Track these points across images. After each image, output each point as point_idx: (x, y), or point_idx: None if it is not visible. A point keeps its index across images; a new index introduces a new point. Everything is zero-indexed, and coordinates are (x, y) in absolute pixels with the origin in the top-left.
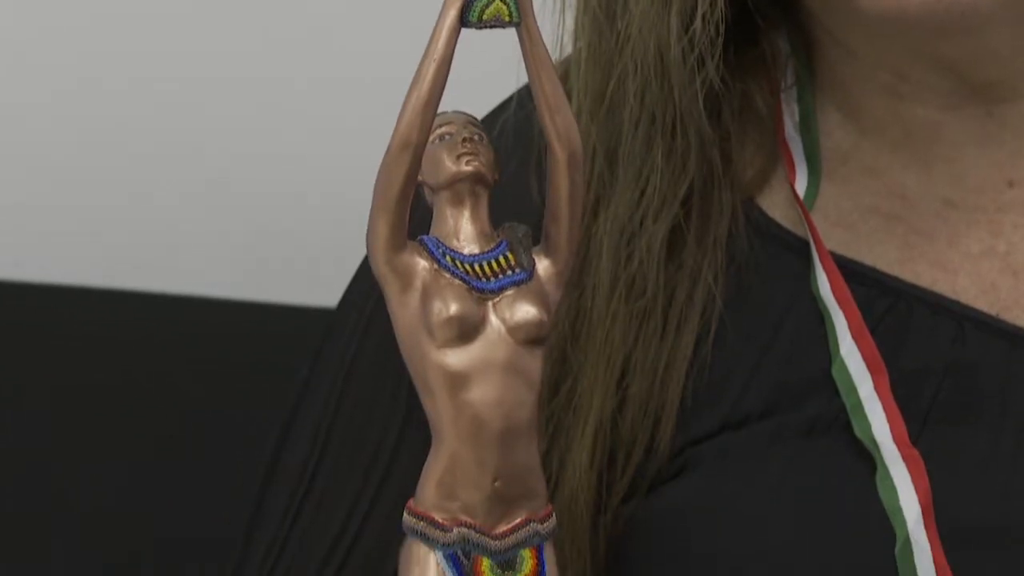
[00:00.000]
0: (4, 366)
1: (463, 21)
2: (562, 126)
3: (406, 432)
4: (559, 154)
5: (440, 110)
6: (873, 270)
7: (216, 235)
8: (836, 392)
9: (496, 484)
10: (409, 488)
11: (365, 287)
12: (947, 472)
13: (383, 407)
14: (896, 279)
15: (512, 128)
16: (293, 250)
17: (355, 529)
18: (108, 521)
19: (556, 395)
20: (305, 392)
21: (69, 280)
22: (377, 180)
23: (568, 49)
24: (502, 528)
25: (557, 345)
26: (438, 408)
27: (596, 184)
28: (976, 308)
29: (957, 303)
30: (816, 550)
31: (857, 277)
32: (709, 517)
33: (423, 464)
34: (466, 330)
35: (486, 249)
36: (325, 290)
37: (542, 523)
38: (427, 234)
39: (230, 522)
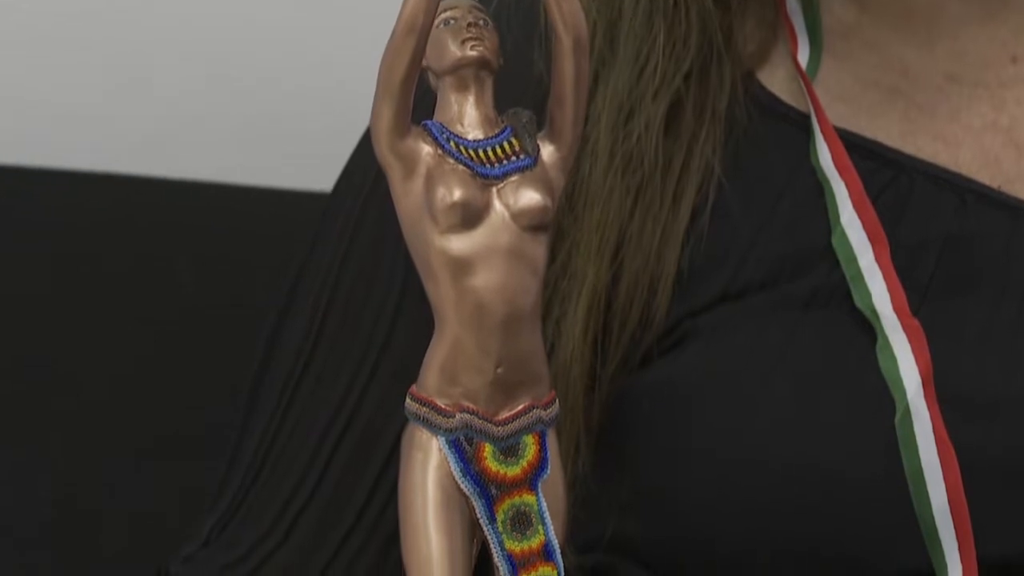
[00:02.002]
0: (5, 250)
1: None
2: (568, 11)
3: (403, 307)
4: (564, 39)
5: None
6: (874, 143)
7: (216, 119)
8: (836, 264)
9: (499, 370)
10: (406, 362)
11: (365, 163)
12: (947, 343)
13: (381, 281)
14: (897, 152)
15: (514, 1)
16: (295, 134)
17: (353, 402)
18: (108, 409)
19: (552, 263)
20: (304, 268)
21: (72, 165)
22: (381, 65)
23: None
24: (505, 414)
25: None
26: (441, 294)
27: (595, 60)
28: (978, 181)
29: (959, 176)
30: (816, 420)
31: (858, 150)
32: (707, 387)
33: (420, 338)
34: (470, 216)
35: (490, 135)
36: (326, 174)
37: (545, 409)
38: (431, 119)
39: (231, 400)
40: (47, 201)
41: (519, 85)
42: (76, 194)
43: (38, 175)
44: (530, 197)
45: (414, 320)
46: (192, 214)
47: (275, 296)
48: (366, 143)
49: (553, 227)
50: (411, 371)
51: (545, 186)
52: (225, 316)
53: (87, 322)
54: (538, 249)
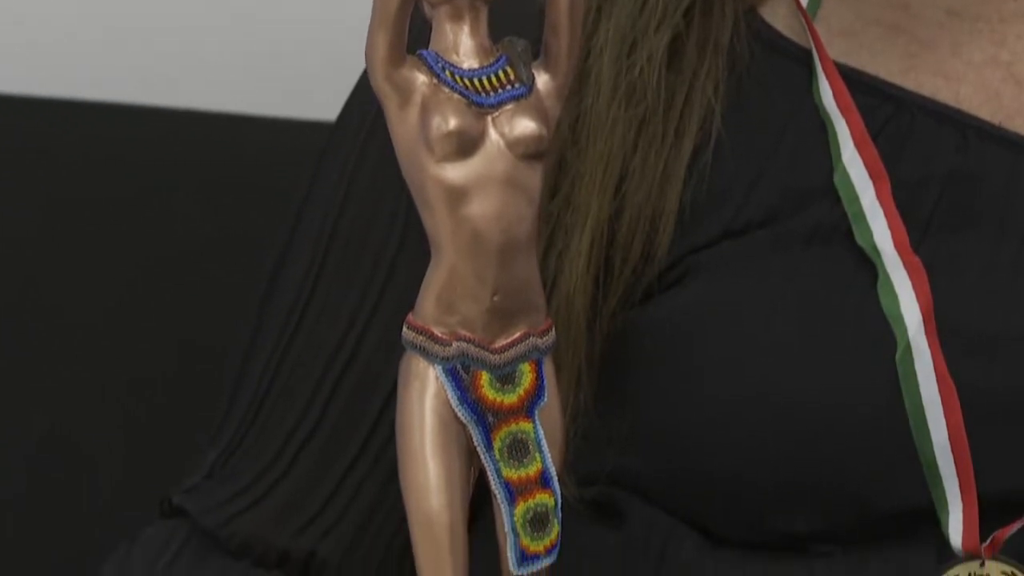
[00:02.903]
0: (11, 179)
1: None
2: None
3: (406, 241)
4: None
5: None
6: (875, 79)
7: (217, 47)
8: (837, 200)
9: (495, 298)
10: (409, 297)
11: (365, 99)
12: (948, 280)
13: (383, 216)
14: (898, 88)
15: None
16: (296, 63)
17: (356, 337)
18: (106, 342)
19: (556, 195)
20: (307, 203)
21: (70, 94)
22: None
23: None
24: (501, 342)
25: (556, 150)
26: (437, 223)
27: None
28: (979, 117)
29: (960, 111)
30: (816, 357)
31: (859, 86)
32: (708, 324)
33: (422, 274)
34: (465, 144)
35: (485, 64)
36: (327, 104)
37: (541, 337)
38: (426, 49)
39: (232, 337)
40: (46, 131)
41: (522, 20)
42: (74, 123)
43: (36, 104)
44: (525, 126)
45: (416, 256)
46: (193, 144)
47: (277, 230)
48: (367, 80)
49: (549, 156)
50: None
51: (540, 115)
52: (227, 248)
53: (85, 254)
54: (533, 178)
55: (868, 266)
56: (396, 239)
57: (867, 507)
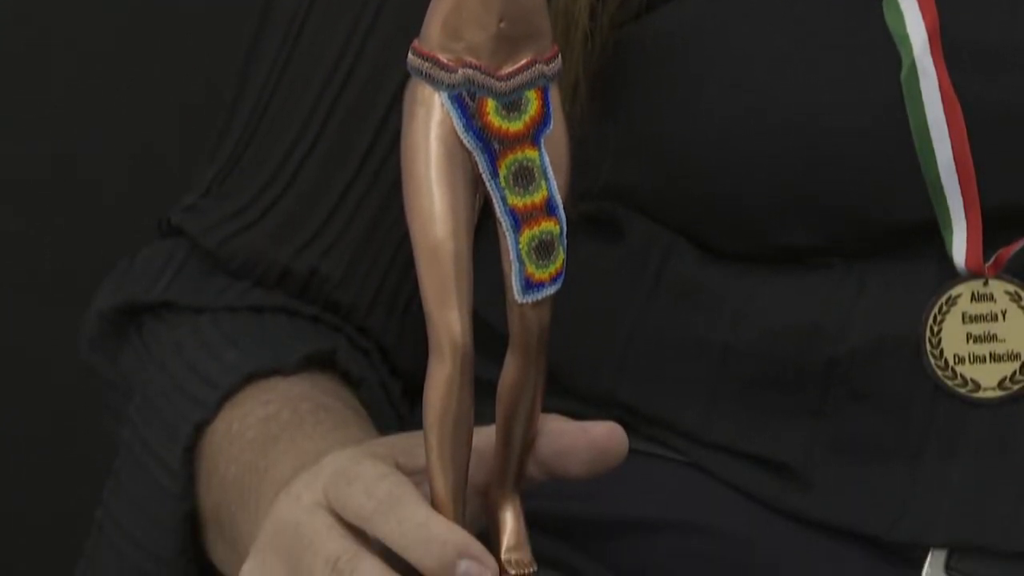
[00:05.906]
0: None
1: None
2: None
3: None
4: None
5: None
6: None
7: None
8: None
9: (501, 25)
10: (408, 13)
11: None
12: None
13: None
14: None
15: None
16: None
17: (354, 53)
18: (107, 69)
19: None
20: None
21: None
22: None
23: None
24: (507, 69)
25: None
26: None
27: None
28: None
29: None
30: (817, 73)
31: None
32: (707, 37)
33: None
34: None
35: None
36: None
37: (547, 64)
38: None
39: (231, 54)
40: None
41: None
42: None
43: None
44: None
45: None
46: None
47: None
48: None
49: None
50: (413, 21)
51: None
52: None
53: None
54: None
55: None
56: None
57: (868, 221)
